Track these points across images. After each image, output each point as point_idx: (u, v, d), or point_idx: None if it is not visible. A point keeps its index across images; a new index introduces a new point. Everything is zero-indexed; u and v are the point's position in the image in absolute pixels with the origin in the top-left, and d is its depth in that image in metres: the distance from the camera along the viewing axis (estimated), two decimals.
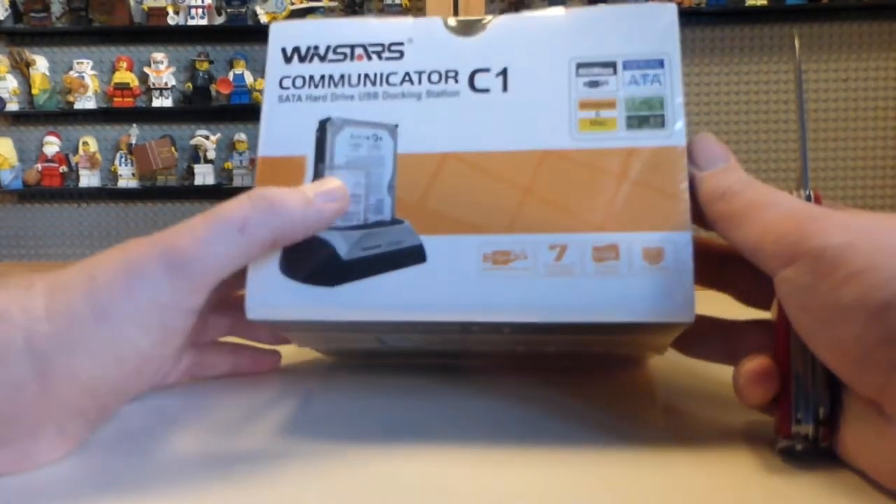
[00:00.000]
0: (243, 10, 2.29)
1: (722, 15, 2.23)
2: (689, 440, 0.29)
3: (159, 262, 0.28)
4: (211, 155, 2.32)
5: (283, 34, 0.34)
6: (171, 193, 2.34)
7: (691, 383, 0.36)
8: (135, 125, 2.36)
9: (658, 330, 0.30)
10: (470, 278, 0.30)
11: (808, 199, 0.28)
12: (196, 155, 2.35)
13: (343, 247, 0.31)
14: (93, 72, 2.32)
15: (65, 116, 2.36)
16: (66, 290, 0.27)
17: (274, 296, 0.31)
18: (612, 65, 0.31)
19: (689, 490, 0.25)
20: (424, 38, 0.33)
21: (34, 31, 2.30)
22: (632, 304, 0.28)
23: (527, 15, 0.33)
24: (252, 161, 2.28)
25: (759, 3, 2.18)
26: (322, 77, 0.33)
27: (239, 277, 0.34)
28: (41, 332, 0.26)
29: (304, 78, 0.33)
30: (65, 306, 0.27)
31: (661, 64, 0.31)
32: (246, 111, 2.31)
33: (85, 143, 2.33)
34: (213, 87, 2.32)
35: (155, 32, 2.33)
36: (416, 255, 0.30)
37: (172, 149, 2.33)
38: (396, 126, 0.32)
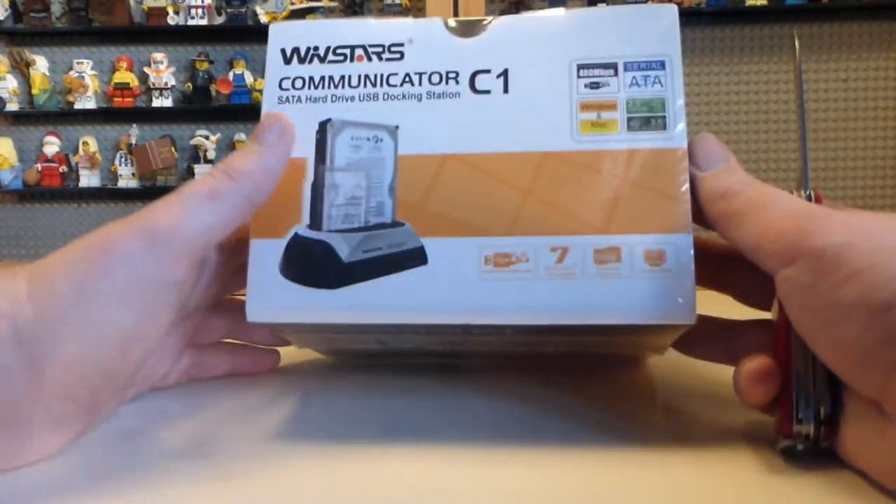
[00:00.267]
0: (243, 10, 2.29)
1: (722, 15, 2.23)
2: (690, 440, 0.29)
3: (136, 237, 0.28)
4: (211, 155, 2.32)
5: (282, 35, 0.34)
6: None
7: (691, 383, 0.36)
8: (135, 125, 2.36)
9: (659, 331, 0.30)
10: (471, 281, 0.30)
11: (809, 198, 0.28)
12: (196, 155, 2.35)
13: (344, 249, 0.31)
14: (93, 72, 2.32)
15: (65, 116, 2.36)
16: (47, 274, 0.28)
17: (274, 298, 0.31)
18: (613, 66, 0.31)
19: (689, 490, 0.25)
20: (425, 38, 0.33)
21: (34, 31, 2.30)
22: (633, 306, 0.28)
23: (527, 16, 0.33)
24: None
25: (759, 3, 2.18)
26: (322, 78, 0.33)
27: (239, 278, 0.34)
28: (25, 317, 0.27)
29: (303, 79, 0.33)
30: (46, 289, 0.27)
31: (662, 65, 0.31)
32: (246, 111, 2.31)
33: (85, 143, 2.33)
34: (213, 87, 2.32)
35: (155, 32, 2.33)
36: (417, 258, 0.30)
37: (172, 149, 2.33)
38: (397, 127, 0.32)
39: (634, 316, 0.28)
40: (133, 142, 2.34)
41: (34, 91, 2.30)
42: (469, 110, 0.32)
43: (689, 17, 2.20)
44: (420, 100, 0.32)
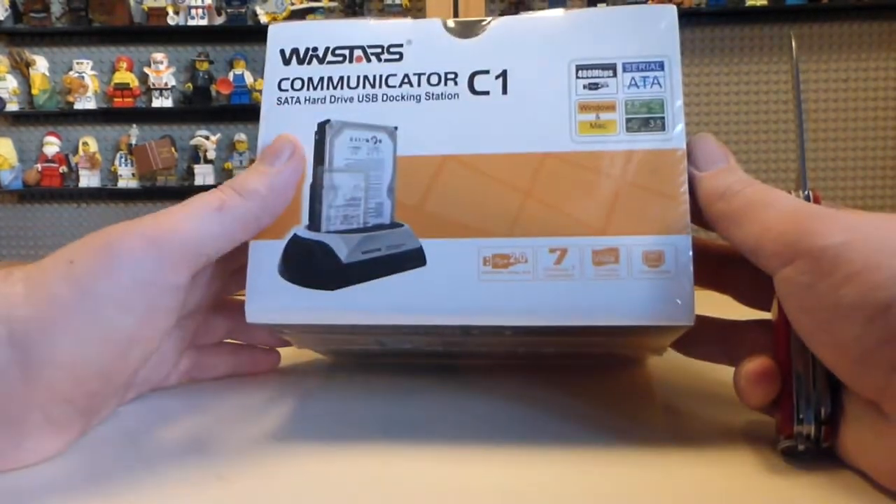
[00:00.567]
0: (243, 10, 2.29)
1: (722, 15, 2.24)
2: (690, 440, 0.29)
3: (139, 240, 0.28)
4: (211, 155, 2.33)
5: (281, 36, 0.34)
6: (171, 194, 2.34)
7: (691, 383, 0.36)
8: (135, 125, 2.36)
9: (658, 332, 0.30)
10: (470, 282, 0.30)
11: (807, 199, 0.28)
12: (196, 155, 2.35)
13: (343, 250, 0.31)
14: (93, 72, 2.32)
15: (65, 116, 2.36)
16: (44, 275, 0.28)
17: (273, 299, 0.31)
18: (612, 67, 0.31)
19: (689, 490, 0.25)
20: (424, 39, 0.33)
21: (34, 31, 2.30)
22: (632, 307, 0.28)
23: (526, 17, 0.33)
24: (252, 162, 2.28)
25: (758, 3, 2.18)
26: (321, 79, 0.33)
27: (238, 279, 0.34)
28: (20, 317, 0.26)
29: (302, 80, 0.33)
30: (43, 290, 0.27)
31: (661, 66, 0.31)
32: (246, 111, 2.32)
33: (85, 144, 2.33)
34: (213, 88, 2.32)
35: (155, 32, 2.33)
36: (415, 259, 0.30)
37: (172, 149, 2.33)
38: (396, 128, 0.32)
39: (633, 317, 0.28)
40: (133, 142, 2.34)
41: (34, 91, 2.30)
42: (468, 111, 0.32)
43: (688, 18, 2.20)
44: (419, 101, 0.32)
